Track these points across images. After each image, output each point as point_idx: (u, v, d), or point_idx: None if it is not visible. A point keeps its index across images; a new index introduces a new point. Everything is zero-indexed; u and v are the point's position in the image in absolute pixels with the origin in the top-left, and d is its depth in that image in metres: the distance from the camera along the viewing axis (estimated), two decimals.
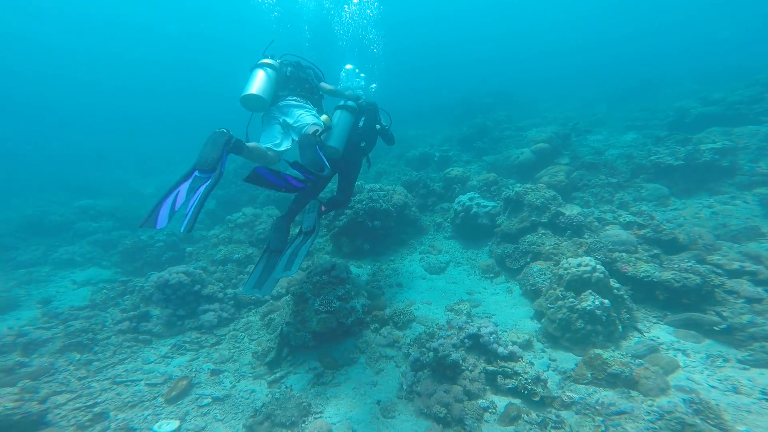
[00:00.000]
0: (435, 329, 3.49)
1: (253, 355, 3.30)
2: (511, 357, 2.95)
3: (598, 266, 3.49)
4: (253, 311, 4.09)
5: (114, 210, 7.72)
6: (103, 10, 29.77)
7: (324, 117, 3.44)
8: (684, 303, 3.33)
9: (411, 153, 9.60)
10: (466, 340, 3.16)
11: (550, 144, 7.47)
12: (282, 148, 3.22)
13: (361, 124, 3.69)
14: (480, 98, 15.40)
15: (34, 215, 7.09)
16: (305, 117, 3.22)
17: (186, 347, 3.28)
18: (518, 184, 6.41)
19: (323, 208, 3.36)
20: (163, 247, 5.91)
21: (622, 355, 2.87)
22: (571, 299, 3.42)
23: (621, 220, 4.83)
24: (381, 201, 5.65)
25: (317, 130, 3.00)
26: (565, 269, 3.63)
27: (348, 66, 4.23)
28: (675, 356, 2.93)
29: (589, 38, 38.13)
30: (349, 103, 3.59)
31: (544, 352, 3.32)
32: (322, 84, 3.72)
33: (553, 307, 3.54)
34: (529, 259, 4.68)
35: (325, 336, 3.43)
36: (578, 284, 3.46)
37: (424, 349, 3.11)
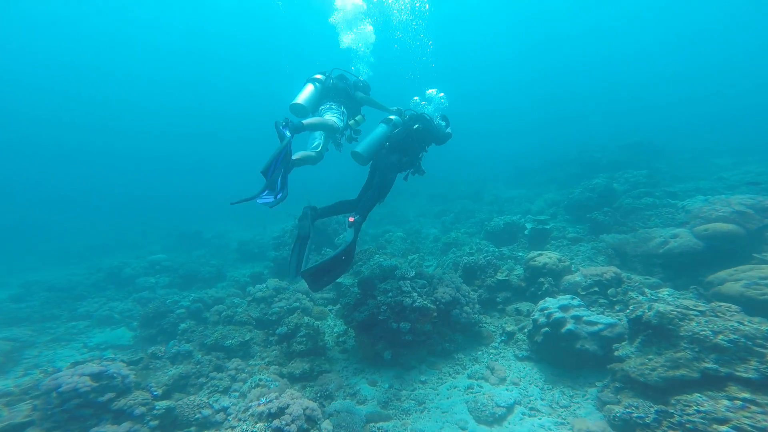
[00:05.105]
0: None
1: None
2: None
3: None
4: None
5: (180, 266, 8.56)
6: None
7: (358, 117, 4.61)
8: None
9: (493, 222, 7.92)
10: None
11: (740, 225, 4.70)
12: (320, 149, 4.18)
13: (396, 130, 4.30)
14: (606, 153, 12.62)
15: (117, 266, 8.45)
16: (326, 114, 4.23)
17: None
18: (665, 294, 4.04)
19: (351, 219, 3.71)
20: (184, 314, 5.83)
21: None
22: None
23: None
24: (415, 294, 4.28)
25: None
26: None
27: (416, 98, 5.02)
28: None
29: None
30: (392, 117, 4.38)
31: None
32: (357, 92, 4.65)
33: None
34: None
35: None
36: None
37: None
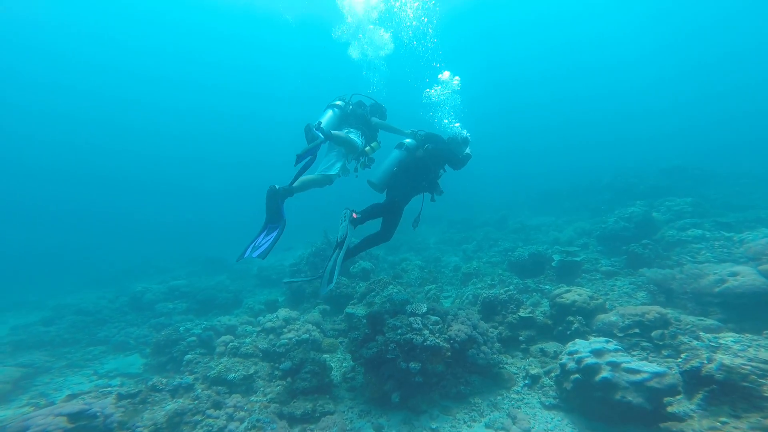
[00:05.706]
0: None
1: None
2: None
3: None
4: None
5: (198, 291, 8.68)
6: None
7: (374, 144, 4.54)
8: None
9: (518, 252, 7.46)
10: None
11: None
12: (333, 172, 4.13)
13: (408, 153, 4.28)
14: (643, 178, 11.83)
15: (139, 291, 8.70)
16: (348, 134, 4.23)
17: None
18: (729, 341, 3.37)
19: (354, 215, 3.72)
20: (195, 343, 5.77)
21: None
22: None
23: None
24: (426, 332, 3.97)
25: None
26: None
27: (428, 90, 5.12)
28: None
29: None
30: (406, 140, 4.35)
31: None
32: (373, 118, 4.69)
33: None
34: None
35: None
36: None
37: None
